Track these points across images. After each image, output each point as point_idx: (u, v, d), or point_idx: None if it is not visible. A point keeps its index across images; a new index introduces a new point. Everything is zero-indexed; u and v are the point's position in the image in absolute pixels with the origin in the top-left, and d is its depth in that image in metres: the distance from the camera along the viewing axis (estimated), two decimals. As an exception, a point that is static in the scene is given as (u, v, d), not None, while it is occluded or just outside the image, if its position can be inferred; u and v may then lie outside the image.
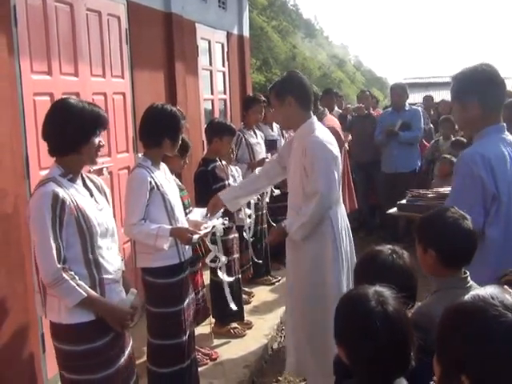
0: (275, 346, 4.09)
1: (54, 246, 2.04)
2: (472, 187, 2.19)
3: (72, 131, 2.12)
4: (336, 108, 7.39)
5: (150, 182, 2.72)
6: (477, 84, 2.27)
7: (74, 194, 2.14)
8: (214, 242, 3.19)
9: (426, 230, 1.90)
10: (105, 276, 2.20)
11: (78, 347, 2.16)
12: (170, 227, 2.74)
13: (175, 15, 4.90)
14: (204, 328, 3.88)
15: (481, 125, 2.30)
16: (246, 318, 4.22)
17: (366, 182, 6.91)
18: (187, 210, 3.31)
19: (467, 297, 1.09)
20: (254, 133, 5.06)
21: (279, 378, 3.64)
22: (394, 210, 3.04)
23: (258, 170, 3.47)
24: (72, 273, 2.10)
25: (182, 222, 2.89)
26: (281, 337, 4.23)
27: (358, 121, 7.22)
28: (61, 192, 2.08)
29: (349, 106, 9.94)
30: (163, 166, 2.93)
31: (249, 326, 4.15)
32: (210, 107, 5.88)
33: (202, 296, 3.67)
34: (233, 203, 3.27)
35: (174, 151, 2.91)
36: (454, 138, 5.89)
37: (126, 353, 2.32)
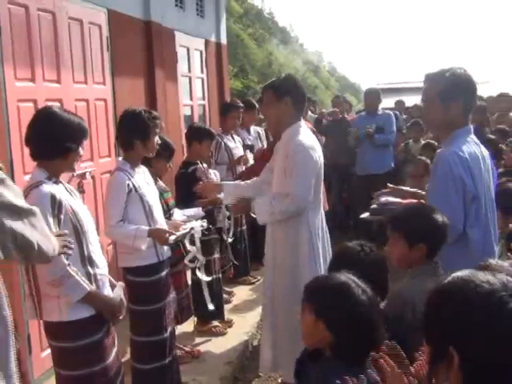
0: (255, 343, 4.21)
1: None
2: (453, 188, 2.23)
3: (66, 138, 2.23)
4: (310, 113, 7.60)
5: (128, 185, 2.81)
6: (463, 86, 2.33)
7: (64, 194, 2.24)
8: (193, 242, 3.27)
9: (414, 227, 2.06)
10: (98, 271, 2.32)
11: (80, 342, 2.25)
12: (147, 228, 2.83)
13: (155, 23, 5.02)
14: (187, 326, 3.98)
15: (456, 126, 2.36)
16: (227, 316, 4.34)
17: (340, 183, 7.12)
18: (171, 212, 3.42)
19: (447, 278, 1.21)
20: (232, 138, 5.20)
21: (260, 373, 3.76)
22: (366, 214, 3.05)
23: (255, 179, 3.46)
24: (75, 269, 2.19)
25: (161, 223, 2.98)
26: (261, 334, 4.35)
27: (332, 125, 7.44)
28: (57, 193, 2.18)
29: (324, 110, 10.17)
30: (143, 168, 3.03)
31: (229, 324, 4.26)
32: (190, 113, 6.00)
33: (186, 295, 3.77)
34: (228, 196, 3.36)
35: (148, 151, 2.93)
36: (424, 141, 6.10)
37: (115, 347, 2.43)
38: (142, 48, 4.89)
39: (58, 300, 2.23)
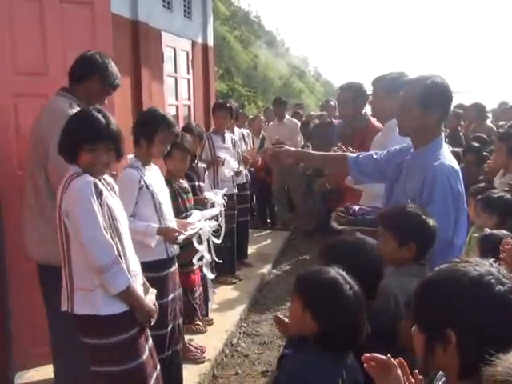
0: (234, 341, 4.27)
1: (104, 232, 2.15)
2: (450, 199, 2.27)
3: None
4: (287, 116, 7.69)
5: (140, 181, 2.86)
6: (442, 96, 2.34)
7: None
8: (200, 242, 3.32)
9: (405, 227, 2.12)
10: (131, 269, 2.29)
11: (115, 337, 2.22)
12: (157, 226, 2.88)
13: (142, 23, 5.04)
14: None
15: (432, 134, 2.37)
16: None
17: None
18: (189, 212, 3.48)
19: (432, 272, 1.31)
20: (223, 137, 5.27)
21: (238, 371, 3.82)
22: (338, 225, 2.74)
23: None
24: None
25: (171, 220, 3.02)
26: (240, 333, 4.41)
27: (319, 128, 7.53)
28: (99, 183, 2.21)
29: (313, 113, 10.27)
30: (154, 166, 3.07)
31: (210, 322, 4.30)
32: (175, 112, 6.03)
33: (199, 295, 3.79)
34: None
35: (150, 152, 2.96)
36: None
37: (149, 344, 2.41)
38: (128, 47, 4.91)
39: (91, 294, 2.19)
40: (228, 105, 5.36)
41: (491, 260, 1.29)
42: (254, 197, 8.12)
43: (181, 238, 2.92)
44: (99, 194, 2.17)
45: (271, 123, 7.95)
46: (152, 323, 2.36)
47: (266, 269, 5.89)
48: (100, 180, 2.25)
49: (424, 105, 2.32)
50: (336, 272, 1.74)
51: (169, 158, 3.49)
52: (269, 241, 7.03)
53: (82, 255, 2.17)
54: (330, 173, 3.95)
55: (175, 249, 3.08)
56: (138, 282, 2.37)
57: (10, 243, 3.15)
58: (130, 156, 2.99)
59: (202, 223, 3.22)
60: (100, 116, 2.22)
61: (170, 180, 3.46)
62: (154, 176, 3.00)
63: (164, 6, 5.68)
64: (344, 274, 1.74)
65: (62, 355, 2.76)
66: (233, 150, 5.38)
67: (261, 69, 22.75)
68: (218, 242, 3.76)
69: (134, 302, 2.25)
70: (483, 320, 1.17)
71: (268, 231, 7.56)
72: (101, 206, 2.17)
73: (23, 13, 3.15)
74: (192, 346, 3.82)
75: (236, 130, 5.90)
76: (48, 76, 3.24)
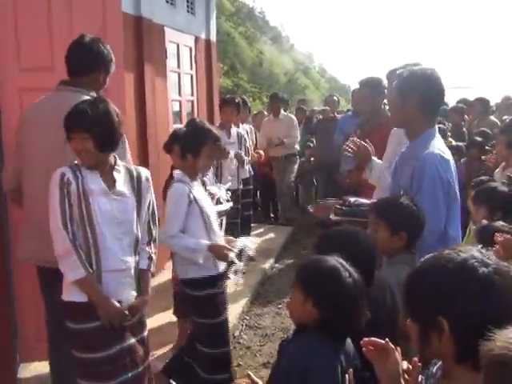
0: (237, 333, 4.31)
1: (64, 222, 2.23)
2: (440, 189, 2.29)
3: None
4: (283, 112, 7.61)
5: (189, 196, 2.85)
6: (417, 83, 2.35)
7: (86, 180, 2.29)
8: (239, 258, 3.24)
9: (397, 216, 2.18)
10: (104, 264, 2.30)
11: (80, 325, 2.32)
12: (207, 243, 2.86)
13: (145, 19, 5.08)
14: (169, 316, 4.07)
15: (419, 125, 2.39)
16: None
17: (327, 181, 7.25)
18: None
19: (419, 263, 1.35)
20: (228, 133, 5.31)
21: (240, 362, 3.86)
22: (335, 216, 2.96)
23: None
24: (81, 251, 2.25)
25: (219, 235, 3.02)
26: (242, 325, 4.46)
27: (322, 123, 7.55)
28: (68, 173, 2.26)
29: (316, 108, 10.28)
30: (200, 179, 3.07)
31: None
32: (178, 108, 6.08)
33: None
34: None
35: (196, 166, 2.96)
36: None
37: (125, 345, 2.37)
38: (131, 43, 4.95)
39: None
40: (236, 100, 5.40)
41: (479, 247, 1.31)
42: (258, 192, 8.17)
43: (232, 255, 2.89)
44: (66, 184, 2.23)
45: (266, 119, 7.77)
46: (113, 322, 2.30)
47: (268, 263, 5.92)
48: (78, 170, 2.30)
49: (401, 93, 2.37)
50: (335, 260, 1.79)
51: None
52: (272, 235, 7.06)
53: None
54: (351, 169, 3.95)
55: (222, 265, 3.03)
56: (119, 278, 2.35)
57: (15, 239, 3.18)
58: (177, 171, 2.98)
59: (244, 239, 3.16)
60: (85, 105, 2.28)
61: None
62: (199, 190, 2.99)
63: (167, 1, 5.71)
64: (343, 262, 1.79)
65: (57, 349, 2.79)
66: (238, 145, 5.42)
67: (266, 65, 22.72)
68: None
69: (90, 294, 2.28)
70: (471, 304, 1.18)
71: (271, 226, 7.60)
72: (66, 196, 2.23)
73: (29, 6, 3.15)
74: None
75: (240, 125, 5.93)
76: (54, 71, 3.23)
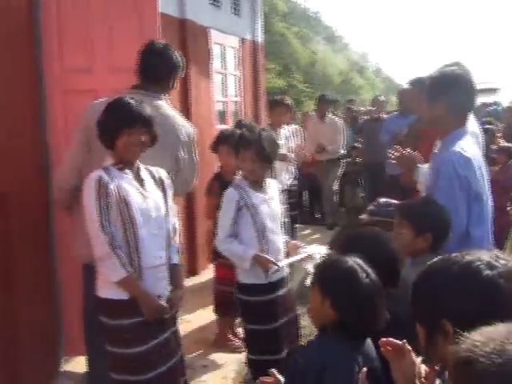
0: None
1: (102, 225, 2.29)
2: (458, 188, 2.24)
3: None
4: (329, 115, 7.37)
5: (239, 202, 2.81)
6: (449, 84, 2.35)
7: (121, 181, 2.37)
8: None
9: (421, 216, 2.14)
10: (143, 261, 2.36)
11: (117, 321, 2.38)
12: (253, 253, 2.80)
13: (189, 21, 5.18)
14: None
15: (447, 126, 2.39)
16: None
17: (373, 182, 7.12)
18: None
19: (427, 265, 1.33)
20: (278, 133, 5.33)
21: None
22: (364, 216, 2.95)
23: None
24: (121, 252, 2.31)
25: (275, 242, 2.91)
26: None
27: (368, 124, 7.43)
28: (105, 176, 2.32)
29: (362, 108, 10.14)
30: (269, 183, 2.98)
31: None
32: (223, 108, 6.15)
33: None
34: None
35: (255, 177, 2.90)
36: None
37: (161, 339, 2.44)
38: (176, 45, 5.02)
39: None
40: (285, 101, 5.42)
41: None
42: (306, 193, 8.16)
43: (274, 268, 2.81)
44: (104, 187, 2.29)
45: (312, 122, 7.64)
46: (156, 317, 2.38)
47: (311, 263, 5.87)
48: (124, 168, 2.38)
49: (430, 95, 2.38)
50: (353, 261, 1.77)
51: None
52: (317, 236, 7.01)
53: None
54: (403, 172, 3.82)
55: (276, 274, 2.92)
56: (156, 274, 2.42)
57: (60, 239, 3.29)
58: (238, 177, 3.01)
59: (313, 248, 3.02)
60: (133, 102, 2.38)
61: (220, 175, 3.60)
62: (263, 197, 2.90)
63: (211, 3, 5.79)
64: (361, 262, 1.77)
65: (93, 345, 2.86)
66: (285, 145, 5.43)
67: (319, 65, 22.58)
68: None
69: (133, 292, 2.35)
70: (475, 307, 1.17)
71: (317, 227, 7.54)
72: (104, 198, 2.28)
73: (71, 9, 3.23)
74: (230, 334, 3.90)
75: (286, 126, 5.91)
76: (94, 73, 3.33)
